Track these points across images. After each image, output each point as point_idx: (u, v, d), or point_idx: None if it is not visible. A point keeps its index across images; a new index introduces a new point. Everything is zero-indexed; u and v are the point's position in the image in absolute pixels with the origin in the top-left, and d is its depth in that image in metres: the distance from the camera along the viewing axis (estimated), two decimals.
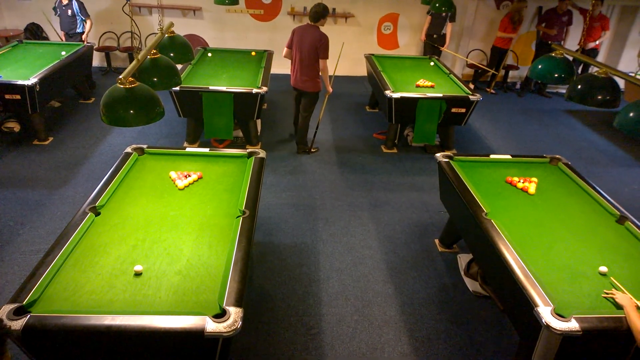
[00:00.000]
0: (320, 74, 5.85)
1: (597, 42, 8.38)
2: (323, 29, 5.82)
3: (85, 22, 7.60)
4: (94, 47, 7.62)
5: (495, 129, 7.41)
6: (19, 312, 2.29)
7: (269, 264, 4.17)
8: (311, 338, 3.45)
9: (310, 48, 5.66)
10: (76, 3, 7.40)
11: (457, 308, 3.82)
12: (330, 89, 6.06)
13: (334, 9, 8.88)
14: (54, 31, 7.91)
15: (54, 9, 7.55)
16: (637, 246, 3.19)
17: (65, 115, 6.95)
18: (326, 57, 5.71)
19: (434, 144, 6.35)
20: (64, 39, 7.63)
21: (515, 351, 3.37)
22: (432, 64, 7.55)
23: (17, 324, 2.22)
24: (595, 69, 3.25)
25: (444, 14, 8.13)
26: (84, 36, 7.58)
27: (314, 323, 3.58)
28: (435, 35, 8.44)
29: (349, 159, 6.14)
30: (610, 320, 2.51)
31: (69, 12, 7.42)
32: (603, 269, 2.93)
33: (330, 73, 6.04)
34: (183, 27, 8.78)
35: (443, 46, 8.46)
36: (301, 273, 4.09)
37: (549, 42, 8.33)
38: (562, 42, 8.51)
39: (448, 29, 8.39)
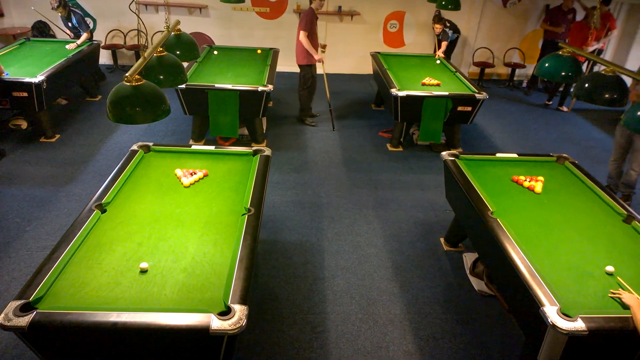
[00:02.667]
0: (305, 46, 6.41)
1: (602, 42, 8.24)
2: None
3: (82, 34, 7.22)
4: (101, 44, 7.63)
5: (501, 127, 7.37)
6: (25, 309, 2.30)
7: (274, 262, 4.17)
8: (316, 336, 3.45)
9: (298, 23, 6.41)
10: (74, 16, 7.15)
11: (462, 307, 3.81)
12: (317, 56, 6.49)
13: (339, 7, 8.86)
14: (62, 29, 7.89)
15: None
16: None
17: (72, 113, 6.98)
18: (301, 27, 6.30)
19: (439, 143, 6.33)
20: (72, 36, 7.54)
21: (521, 351, 3.36)
22: (438, 62, 7.52)
23: (24, 321, 2.23)
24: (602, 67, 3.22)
25: (456, 36, 8.36)
26: (75, 43, 7.00)
27: (318, 321, 3.59)
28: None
29: (354, 157, 6.14)
30: (616, 320, 2.49)
31: (70, 24, 7.27)
32: (610, 268, 2.91)
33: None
34: (189, 25, 8.79)
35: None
36: (306, 271, 4.09)
37: (555, 40, 8.25)
38: (566, 40, 8.40)
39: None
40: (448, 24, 8.07)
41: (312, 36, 6.41)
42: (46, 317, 2.27)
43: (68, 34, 7.63)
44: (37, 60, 6.35)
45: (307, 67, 6.57)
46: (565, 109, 8.28)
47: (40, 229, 4.42)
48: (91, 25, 7.67)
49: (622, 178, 5.45)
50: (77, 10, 7.27)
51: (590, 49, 7.63)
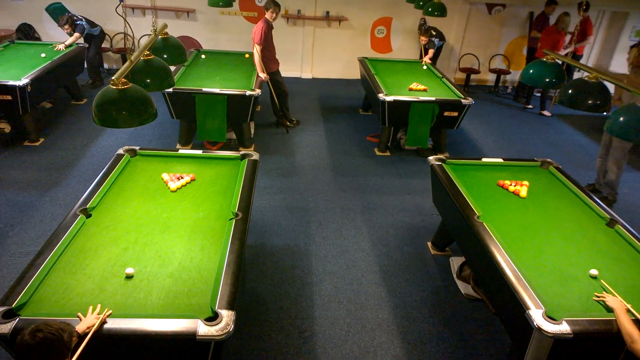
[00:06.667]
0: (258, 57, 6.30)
1: (578, 46, 8.31)
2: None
3: (72, 34, 7.22)
4: (87, 48, 7.57)
5: (487, 132, 7.45)
6: (7, 315, 2.27)
7: (262, 267, 4.16)
8: (304, 341, 3.44)
9: (254, 34, 6.29)
10: (77, 28, 7.23)
11: (449, 311, 3.83)
12: (262, 75, 6.30)
13: (327, 12, 8.90)
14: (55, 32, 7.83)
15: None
16: (627, 249, 3.22)
17: (57, 116, 6.90)
18: (256, 41, 6.20)
19: (426, 147, 6.37)
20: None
21: (507, 354, 3.39)
22: (424, 67, 7.58)
23: (6, 328, 2.19)
24: (584, 74, 3.28)
25: (442, 43, 8.35)
26: (65, 43, 7.05)
27: (306, 326, 3.58)
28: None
29: (342, 161, 6.15)
30: (600, 323, 2.53)
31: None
32: (594, 272, 2.96)
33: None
34: (176, 29, 8.75)
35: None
36: (294, 276, 4.09)
37: (536, 47, 8.37)
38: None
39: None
40: (434, 33, 8.13)
41: (268, 47, 6.38)
42: (29, 324, 2.22)
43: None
44: (21, 63, 6.27)
45: (272, 74, 6.52)
46: (547, 113, 8.40)
47: (23, 234, 4.35)
48: (96, 33, 7.72)
49: (605, 178, 5.56)
50: (80, 23, 7.33)
51: (563, 52, 7.79)
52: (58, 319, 1.99)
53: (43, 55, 6.49)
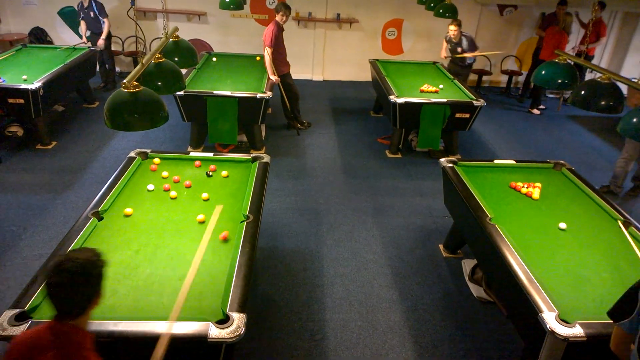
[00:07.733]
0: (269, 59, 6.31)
1: (590, 47, 8.20)
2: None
3: (104, 22, 7.56)
4: (98, 51, 7.65)
5: (499, 134, 7.39)
6: (20, 318, 2.28)
7: (273, 269, 4.16)
8: (315, 344, 3.43)
9: (264, 37, 6.33)
10: (95, 4, 7.44)
11: (461, 314, 3.79)
12: (273, 77, 6.31)
13: (338, 15, 8.90)
14: (79, 33, 7.99)
15: (77, 12, 7.68)
16: None
17: (69, 120, 6.97)
18: (267, 44, 6.23)
19: (438, 149, 6.34)
20: (85, 40, 7.60)
21: (520, 357, 3.35)
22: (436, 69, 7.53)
23: (19, 330, 2.21)
24: (592, 74, 3.25)
25: (473, 60, 7.48)
26: (102, 37, 7.55)
27: (317, 329, 3.57)
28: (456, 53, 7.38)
29: (353, 163, 6.14)
30: (615, 326, 2.48)
31: (91, 14, 7.49)
32: (562, 225, 3.23)
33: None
34: (188, 32, 8.80)
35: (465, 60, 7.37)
36: (305, 278, 4.08)
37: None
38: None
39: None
40: (467, 33, 7.32)
41: (278, 49, 6.39)
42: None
43: (83, 37, 7.68)
44: (33, 66, 6.34)
45: (282, 76, 6.53)
46: (536, 111, 8.34)
47: (36, 237, 4.40)
48: (105, 25, 7.87)
49: (636, 172, 5.60)
50: (100, 1, 7.58)
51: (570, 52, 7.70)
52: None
53: (24, 77, 5.83)
